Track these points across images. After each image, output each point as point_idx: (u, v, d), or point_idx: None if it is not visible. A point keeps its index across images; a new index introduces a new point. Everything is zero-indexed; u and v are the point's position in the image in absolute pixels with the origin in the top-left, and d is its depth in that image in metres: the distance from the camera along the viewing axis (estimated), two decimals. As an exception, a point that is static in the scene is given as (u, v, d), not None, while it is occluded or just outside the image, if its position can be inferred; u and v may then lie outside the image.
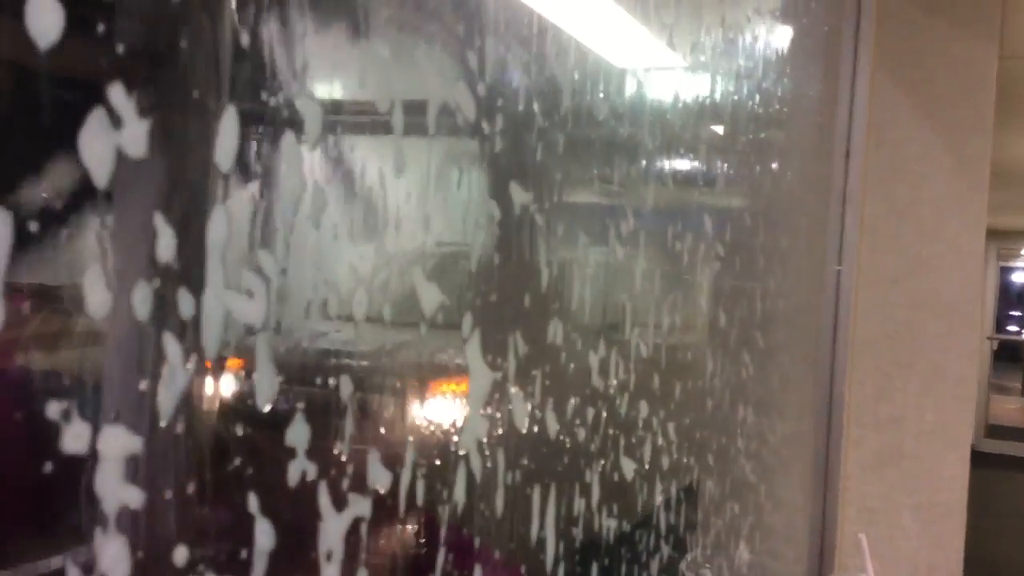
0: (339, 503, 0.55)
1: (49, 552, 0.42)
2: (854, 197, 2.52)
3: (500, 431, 0.77)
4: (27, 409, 0.40)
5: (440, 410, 0.73)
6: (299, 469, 0.52)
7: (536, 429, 0.86)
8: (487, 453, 0.75)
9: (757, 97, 1.82)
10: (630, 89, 1.19)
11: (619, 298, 1.18)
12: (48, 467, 0.40)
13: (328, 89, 0.58)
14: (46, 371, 0.40)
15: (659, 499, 1.28)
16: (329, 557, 0.56)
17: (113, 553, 0.41)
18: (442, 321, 0.69)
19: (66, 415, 0.39)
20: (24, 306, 0.39)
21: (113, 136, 0.40)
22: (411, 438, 0.64)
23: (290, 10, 0.51)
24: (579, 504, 0.98)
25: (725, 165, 1.69)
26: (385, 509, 0.61)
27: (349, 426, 0.55)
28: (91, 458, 0.40)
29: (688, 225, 1.47)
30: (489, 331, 0.77)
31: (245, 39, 0.48)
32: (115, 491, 0.42)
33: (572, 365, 1.02)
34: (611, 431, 1.11)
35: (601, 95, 1.05)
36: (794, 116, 2.14)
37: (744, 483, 1.84)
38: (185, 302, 0.44)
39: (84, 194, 0.39)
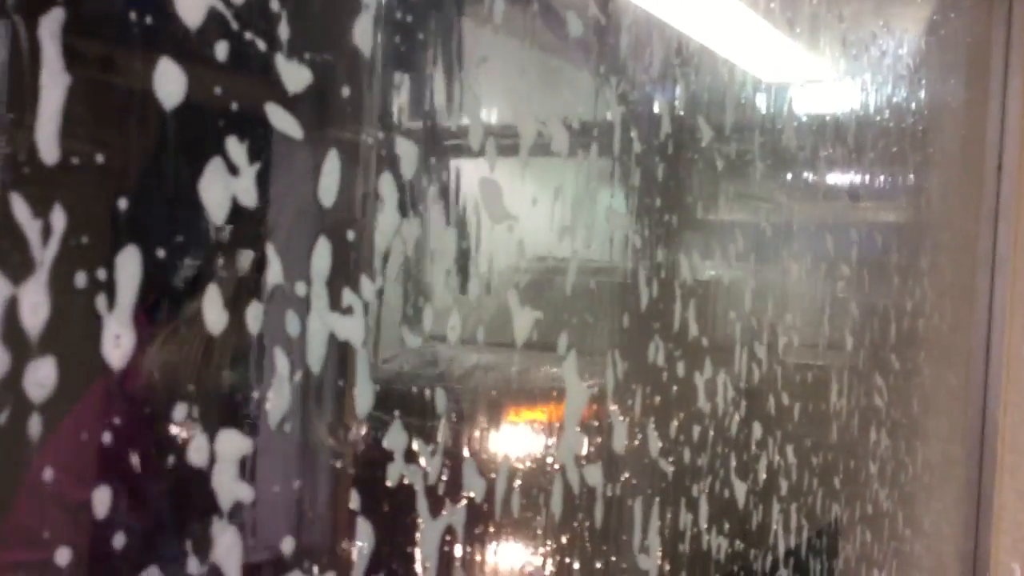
0: (435, 508, 0.60)
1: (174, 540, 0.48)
2: (1007, 211, 2.40)
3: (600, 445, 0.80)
4: (153, 415, 0.46)
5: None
6: (397, 472, 0.57)
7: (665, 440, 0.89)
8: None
9: (895, 109, 1.78)
10: (764, 103, 1.20)
11: (756, 316, 1.19)
12: (172, 466, 0.46)
13: (432, 120, 0.63)
14: (170, 380, 0.46)
15: (796, 525, 1.27)
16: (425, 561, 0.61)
17: (227, 542, 0.48)
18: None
19: (189, 418, 0.46)
20: (151, 324, 0.46)
21: (230, 183, 0.46)
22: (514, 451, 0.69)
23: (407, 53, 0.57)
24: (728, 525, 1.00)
25: (864, 179, 1.66)
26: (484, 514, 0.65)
27: (444, 434, 0.60)
28: (210, 459, 0.47)
29: (825, 241, 1.45)
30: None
31: (341, 84, 0.54)
32: (230, 488, 0.48)
33: (699, 385, 1.04)
34: (744, 452, 1.12)
35: (735, 109, 1.07)
36: (936, 129, 2.07)
37: (888, 511, 1.79)
38: (292, 321, 0.50)
39: (201, 229, 0.45)
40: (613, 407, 0.83)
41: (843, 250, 1.53)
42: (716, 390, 1.03)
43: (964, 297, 2.36)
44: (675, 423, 0.95)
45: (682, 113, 0.96)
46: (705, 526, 1.00)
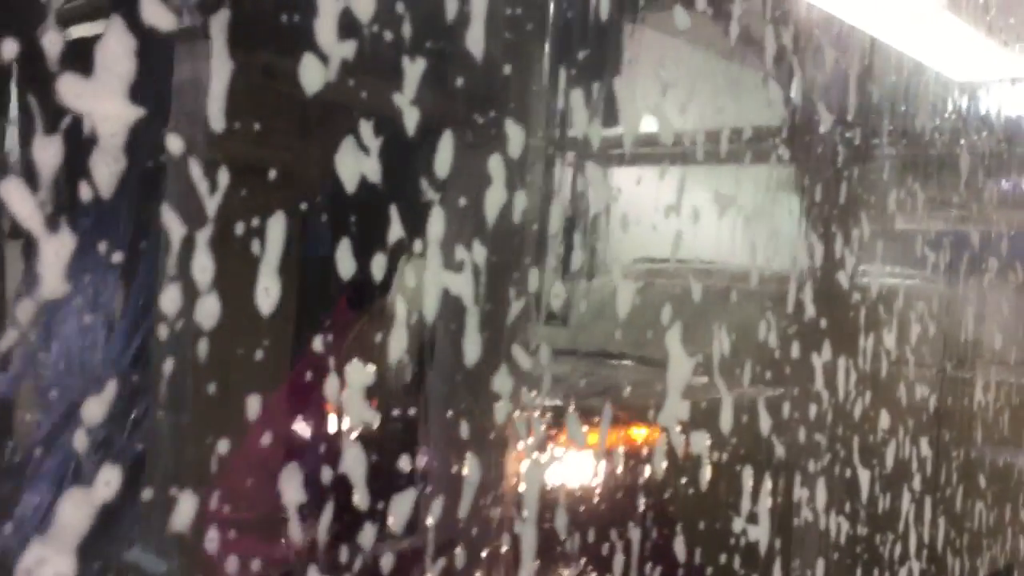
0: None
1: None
2: None
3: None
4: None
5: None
6: (505, 412, 0.66)
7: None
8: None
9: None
10: (964, 104, 1.20)
11: (959, 329, 1.20)
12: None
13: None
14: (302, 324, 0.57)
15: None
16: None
17: (351, 457, 0.58)
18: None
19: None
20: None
21: (362, 161, 0.57)
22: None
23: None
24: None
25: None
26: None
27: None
28: (340, 384, 0.57)
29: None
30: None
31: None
32: (358, 412, 0.58)
33: (901, 397, 1.07)
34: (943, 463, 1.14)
35: (930, 111, 1.09)
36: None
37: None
38: (410, 277, 0.60)
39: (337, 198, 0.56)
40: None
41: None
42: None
43: None
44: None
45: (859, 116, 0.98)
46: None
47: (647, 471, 0.81)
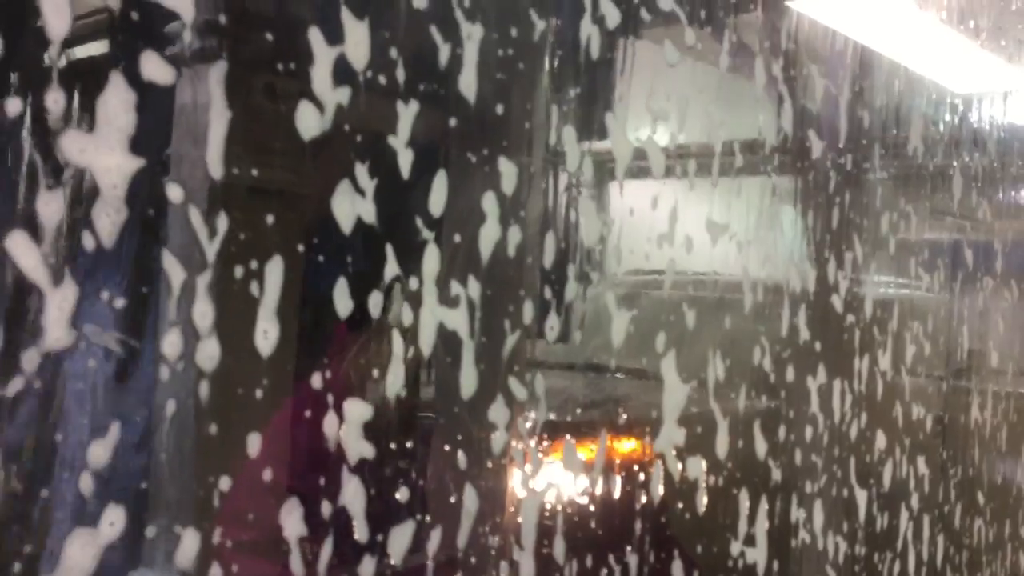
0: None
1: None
2: None
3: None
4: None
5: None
6: (501, 443, 0.67)
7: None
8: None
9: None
10: (963, 115, 1.21)
11: (961, 339, 1.21)
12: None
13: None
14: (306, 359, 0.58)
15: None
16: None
17: (351, 490, 0.59)
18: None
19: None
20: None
21: (357, 204, 0.58)
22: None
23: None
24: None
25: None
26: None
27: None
28: (339, 419, 0.58)
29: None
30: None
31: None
32: (355, 445, 0.59)
33: (902, 408, 1.08)
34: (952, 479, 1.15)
35: (931, 122, 1.10)
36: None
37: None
38: (407, 313, 0.61)
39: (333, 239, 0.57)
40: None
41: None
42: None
43: None
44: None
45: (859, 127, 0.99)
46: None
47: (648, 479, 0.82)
